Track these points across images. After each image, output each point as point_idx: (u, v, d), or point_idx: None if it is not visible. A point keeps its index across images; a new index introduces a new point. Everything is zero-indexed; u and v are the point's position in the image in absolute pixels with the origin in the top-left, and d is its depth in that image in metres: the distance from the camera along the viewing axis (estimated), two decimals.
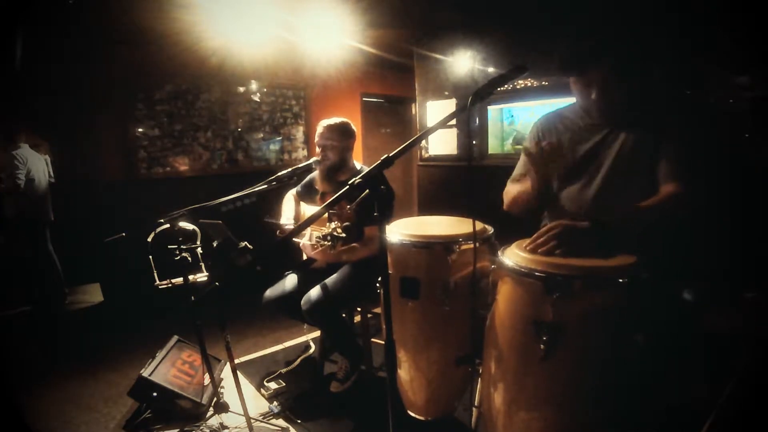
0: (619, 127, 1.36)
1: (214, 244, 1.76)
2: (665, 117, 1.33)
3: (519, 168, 1.62)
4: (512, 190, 1.54)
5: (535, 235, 1.22)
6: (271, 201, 2.35)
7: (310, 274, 2.19)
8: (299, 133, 5.20)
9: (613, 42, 1.29)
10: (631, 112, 1.35)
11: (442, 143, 4.01)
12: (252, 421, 1.76)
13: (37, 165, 3.60)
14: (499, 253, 1.24)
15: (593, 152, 1.40)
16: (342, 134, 2.13)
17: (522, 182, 1.51)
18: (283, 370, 2.43)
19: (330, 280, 2.06)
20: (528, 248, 1.20)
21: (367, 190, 1.00)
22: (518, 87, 3.33)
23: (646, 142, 1.31)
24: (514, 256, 1.18)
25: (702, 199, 1.25)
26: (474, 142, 3.65)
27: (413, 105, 4.77)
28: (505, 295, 1.21)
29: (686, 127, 1.31)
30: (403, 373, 1.60)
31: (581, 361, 1.08)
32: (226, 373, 2.23)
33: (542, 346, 1.06)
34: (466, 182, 3.64)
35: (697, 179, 1.24)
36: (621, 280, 1.04)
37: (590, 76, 1.30)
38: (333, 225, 1.74)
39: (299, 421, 1.96)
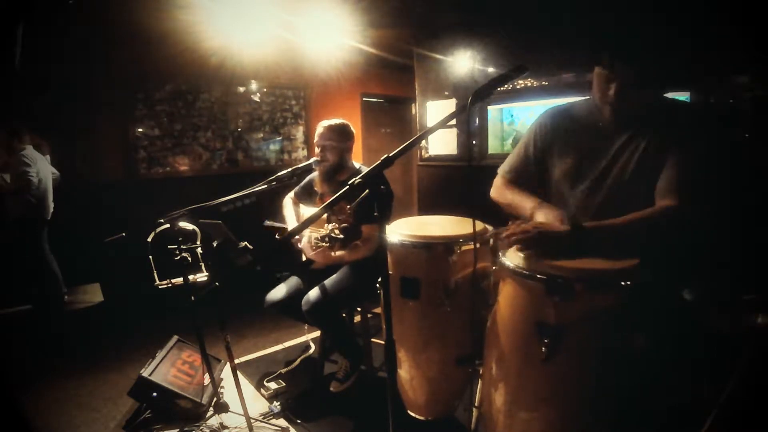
0: (635, 134, 1.32)
1: (214, 244, 1.76)
2: (675, 128, 1.28)
3: (512, 162, 1.56)
4: (509, 195, 1.49)
5: (510, 229, 1.21)
6: (271, 201, 2.36)
7: (310, 274, 2.19)
8: (299, 133, 5.20)
9: (641, 47, 1.26)
10: (643, 117, 1.31)
11: (442, 143, 4.01)
12: (252, 421, 1.76)
13: (42, 165, 3.60)
14: (500, 254, 1.24)
15: (606, 156, 1.35)
16: (341, 135, 2.13)
17: (518, 191, 1.48)
18: (283, 370, 2.43)
19: (330, 281, 2.06)
20: (502, 236, 1.21)
21: (367, 190, 1.00)
22: (518, 87, 3.33)
23: (657, 154, 1.27)
24: (515, 257, 1.18)
25: (701, 219, 1.23)
26: (474, 142, 3.65)
27: (413, 105, 4.77)
28: (506, 296, 1.21)
29: (696, 140, 1.26)
30: (404, 373, 1.60)
31: (582, 362, 1.08)
32: (226, 373, 2.23)
33: (544, 348, 1.06)
34: (467, 182, 3.64)
35: (698, 198, 1.21)
36: (624, 283, 1.04)
37: (616, 72, 1.27)
38: (330, 226, 1.75)
39: (299, 421, 1.96)
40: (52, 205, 3.66)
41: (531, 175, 1.51)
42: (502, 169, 1.58)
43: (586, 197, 1.38)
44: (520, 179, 1.53)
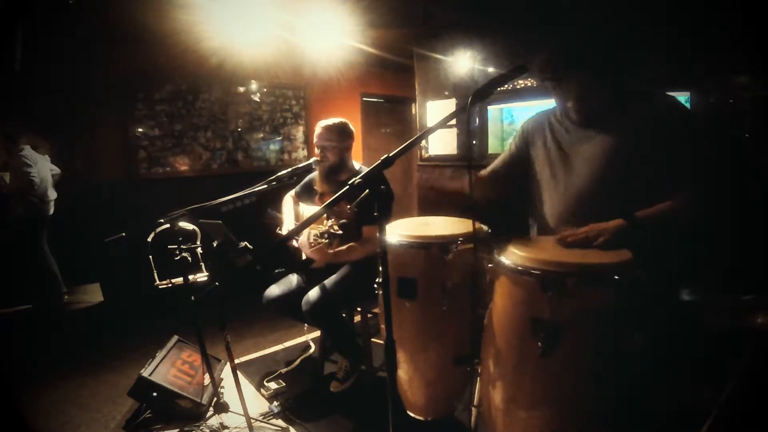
0: (603, 127, 1.33)
1: (214, 244, 1.76)
2: (672, 123, 1.27)
3: (495, 163, 1.65)
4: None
5: (566, 234, 1.23)
6: (271, 201, 2.35)
7: (310, 274, 2.19)
8: (299, 133, 5.20)
9: (587, 49, 1.28)
10: (609, 112, 1.33)
11: (442, 143, 4.00)
12: (252, 421, 1.76)
13: (41, 165, 3.61)
14: (496, 252, 1.24)
15: (578, 153, 1.37)
16: (340, 135, 2.13)
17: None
18: (283, 370, 2.43)
19: (330, 281, 2.05)
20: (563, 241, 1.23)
21: (367, 190, 1.00)
22: (518, 87, 3.33)
23: (636, 144, 1.27)
24: (510, 254, 1.18)
25: (716, 204, 1.26)
26: (474, 142, 3.65)
27: (413, 105, 4.77)
28: (502, 293, 1.21)
29: (699, 133, 1.29)
30: (402, 373, 1.60)
31: (579, 358, 1.07)
32: (226, 373, 2.23)
33: (539, 344, 1.06)
34: (466, 182, 3.63)
35: (711, 185, 1.24)
36: (616, 277, 1.04)
37: (568, 81, 1.31)
38: (329, 222, 1.74)
39: (299, 421, 1.96)
40: (51, 204, 3.66)
41: (510, 176, 1.60)
42: (486, 169, 1.67)
43: (564, 194, 1.39)
44: (498, 178, 1.63)
